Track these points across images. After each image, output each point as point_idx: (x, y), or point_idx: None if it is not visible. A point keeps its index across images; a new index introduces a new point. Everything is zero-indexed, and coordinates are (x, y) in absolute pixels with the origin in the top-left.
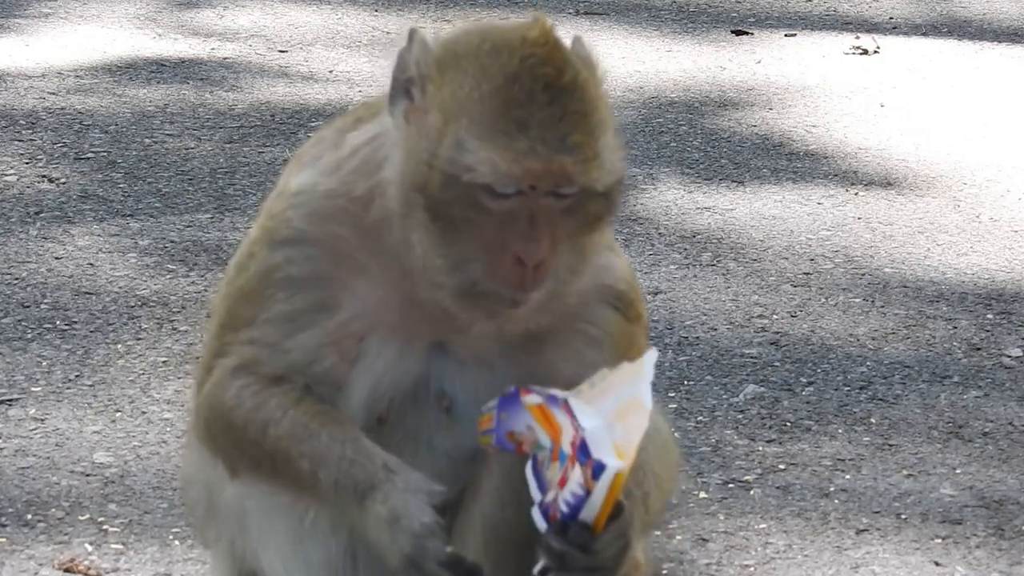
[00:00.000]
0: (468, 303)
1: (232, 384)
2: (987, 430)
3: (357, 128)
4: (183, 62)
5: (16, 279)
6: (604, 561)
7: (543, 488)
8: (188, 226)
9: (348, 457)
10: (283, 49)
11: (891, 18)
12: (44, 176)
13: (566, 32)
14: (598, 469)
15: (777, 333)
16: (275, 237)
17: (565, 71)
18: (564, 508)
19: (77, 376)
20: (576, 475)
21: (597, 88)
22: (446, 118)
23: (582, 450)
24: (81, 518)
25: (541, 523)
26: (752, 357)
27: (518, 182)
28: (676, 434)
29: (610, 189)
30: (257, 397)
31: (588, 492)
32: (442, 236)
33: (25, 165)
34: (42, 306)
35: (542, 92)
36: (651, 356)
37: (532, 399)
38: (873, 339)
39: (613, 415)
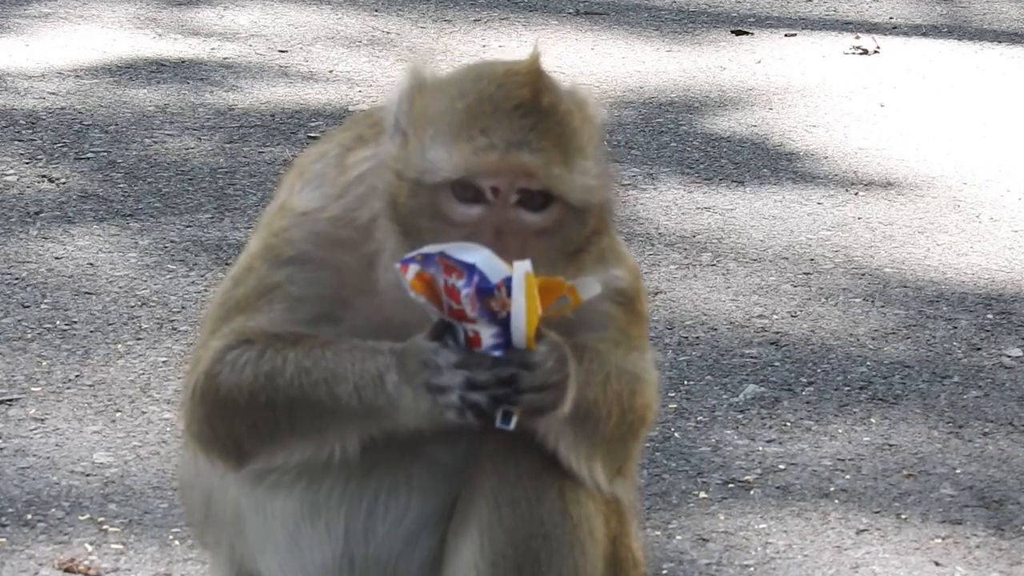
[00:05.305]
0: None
1: (225, 362)
2: (987, 430)
3: (359, 147)
4: (183, 62)
5: (16, 279)
6: (547, 375)
7: None
8: (188, 226)
9: (358, 360)
10: (283, 49)
11: (891, 18)
12: (44, 176)
13: (566, 32)
14: (507, 283)
15: (777, 333)
16: (278, 255)
17: (543, 96)
18: (494, 355)
19: (77, 376)
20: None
21: (581, 121)
22: (417, 131)
23: (482, 283)
24: (81, 518)
25: None
26: (752, 357)
27: (474, 177)
28: (676, 434)
29: (585, 211)
30: (251, 354)
31: (507, 320)
32: (411, 250)
33: (25, 165)
34: (42, 306)
35: (513, 109)
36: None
37: (410, 271)
38: (873, 339)
39: None
